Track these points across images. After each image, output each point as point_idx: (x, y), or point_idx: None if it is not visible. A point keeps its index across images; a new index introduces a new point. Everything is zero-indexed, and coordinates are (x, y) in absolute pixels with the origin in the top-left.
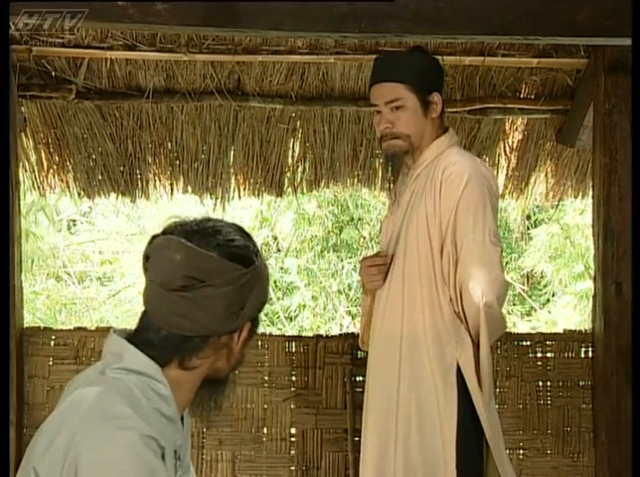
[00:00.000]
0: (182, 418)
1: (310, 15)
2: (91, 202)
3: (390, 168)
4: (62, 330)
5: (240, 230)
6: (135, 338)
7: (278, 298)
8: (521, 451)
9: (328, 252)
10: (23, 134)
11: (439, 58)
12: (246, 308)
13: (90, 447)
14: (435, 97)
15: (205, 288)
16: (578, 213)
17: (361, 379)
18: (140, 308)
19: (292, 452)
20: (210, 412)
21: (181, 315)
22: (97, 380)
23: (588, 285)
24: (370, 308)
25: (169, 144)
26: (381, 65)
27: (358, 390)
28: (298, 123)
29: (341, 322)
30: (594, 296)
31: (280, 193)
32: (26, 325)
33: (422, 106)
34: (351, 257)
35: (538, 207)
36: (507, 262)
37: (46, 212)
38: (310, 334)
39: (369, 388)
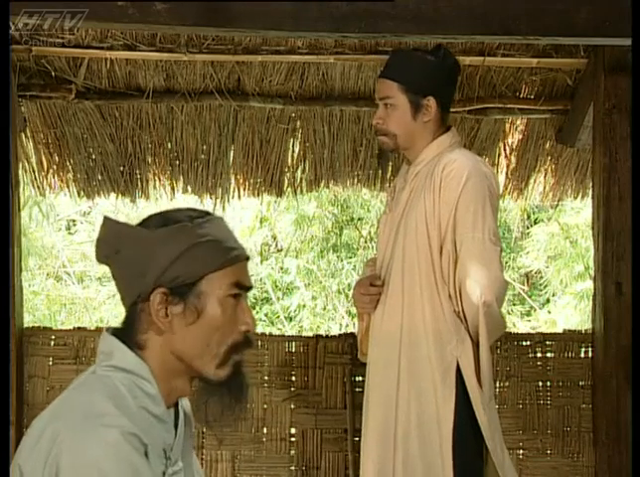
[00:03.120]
0: (177, 418)
1: (310, 15)
2: (91, 202)
3: (382, 163)
4: (62, 330)
5: (198, 211)
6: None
7: (278, 298)
8: (521, 451)
9: (328, 252)
10: (23, 134)
11: None
12: (152, 270)
13: (72, 445)
14: (430, 101)
15: (117, 256)
16: (577, 212)
17: (361, 378)
18: None
19: (292, 452)
20: (214, 422)
21: (117, 288)
22: (87, 378)
23: (588, 285)
24: (366, 327)
25: (169, 144)
26: (388, 60)
27: (358, 389)
28: (298, 123)
29: (341, 322)
30: (594, 296)
31: (280, 193)
32: (26, 325)
33: (412, 108)
34: (351, 257)
35: (537, 207)
36: (506, 262)
37: (40, 208)
38: (310, 334)
39: (369, 386)
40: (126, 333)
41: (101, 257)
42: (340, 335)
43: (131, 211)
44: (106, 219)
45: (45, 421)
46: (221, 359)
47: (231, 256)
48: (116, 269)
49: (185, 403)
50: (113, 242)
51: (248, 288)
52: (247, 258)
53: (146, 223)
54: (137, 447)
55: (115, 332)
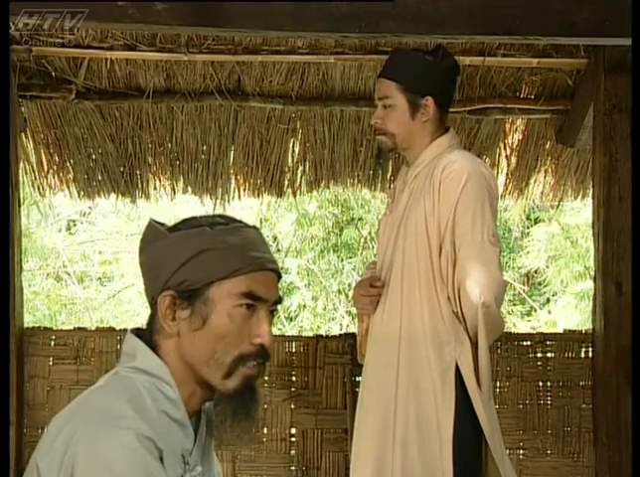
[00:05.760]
0: (198, 422)
1: (310, 15)
2: (91, 202)
3: (381, 162)
4: (62, 330)
5: (229, 218)
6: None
7: None
8: (521, 451)
9: (328, 253)
10: (23, 134)
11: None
12: (163, 273)
13: (87, 446)
14: (428, 101)
15: (141, 257)
16: (577, 212)
17: (361, 379)
18: (140, 308)
19: (292, 452)
20: (221, 432)
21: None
22: (109, 379)
23: (588, 285)
24: (366, 329)
25: (169, 144)
26: (387, 60)
27: (358, 390)
28: (298, 123)
29: (341, 322)
30: (594, 296)
31: (280, 193)
32: (26, 325)
33: (410, 108)
34: (351, 257)
35: (538, 207)
36: (506, 262)
37: (39, 207)
38: (310, 334)
39: (365, 386)
40: (146, 334)
41: (139, 259)
42: (340, 335)
43: (131, 211)
44: (149, 220)
45: (64, 420)
46: (227, 369)
47: (245, 265)
48: (141, 270)
49: (207, 407)
50: (141, 244)
51: (266, 300)
52: (273, 270)
53: (175, 226)
54: (152, 451)
55: (138, 333)
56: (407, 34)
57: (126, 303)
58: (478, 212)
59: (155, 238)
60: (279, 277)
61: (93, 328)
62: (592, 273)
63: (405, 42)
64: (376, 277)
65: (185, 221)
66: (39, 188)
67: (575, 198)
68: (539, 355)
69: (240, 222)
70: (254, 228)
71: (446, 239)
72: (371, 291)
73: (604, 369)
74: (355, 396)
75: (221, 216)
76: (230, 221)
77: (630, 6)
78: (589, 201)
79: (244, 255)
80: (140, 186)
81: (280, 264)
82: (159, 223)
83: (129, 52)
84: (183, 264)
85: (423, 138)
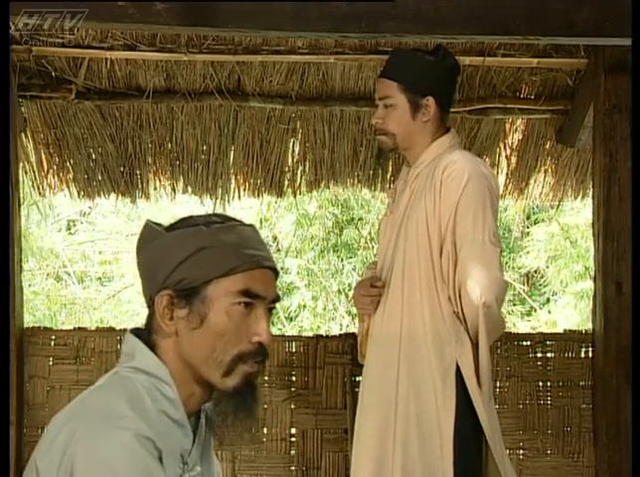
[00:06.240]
0: (197, 422)
1: (310, 15)
2: (91, 202)
3: (381, 162)
4: (62, 330)
5: (225, 217)
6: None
7: None
8: (521, 451)
9: (328, 252)
10: (23, 134)
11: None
12: (160, 272)
13: (87, 446)
14: (429, 101)
15: (139, 257)
16: (577, 212)
17: (361, 379)
18: (139, 308)
19: (292, 452)
20: (221, 432)
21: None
22: (108, 379)
23: (588, 285)
24: (367, 329)
25: (169, 144)
26: (388, 60)
27: (358, 390)
28: (298, 123)
29: (341, 322)
30: (594, 296)
31: (280, 193)
32: (26, 325)
33: (411, 108)
34: (351, 257)
35: (537, 207)
36: (506, 262)
37: (39, 207)
38: (310, 334)
39: (365, 387)
40: (145, 334)
41: (136, 259)
42: (340, 335)
43: (131, 211)
44: (146, 220)
45: (63, 420)
46: (226, 367)
47: (242, 263)
48: (139, 270)
49: (207, 407)
50: (138, 244)
51: (264, 298)
52: (271, 268)
53: (172, 225)
54: (151, 451)
55: (138, 332)
56: (407, 34)
57: (126, 303)
58: (479, 212)
59: (152, 238)
60: (277, 275)
61: (93, 328)
62: (592, 273)
63: (405, 42)
64: (376, 277)
65: (181, 220)
66: (39, 188)
67: (575, 198)
68: (539, 355)
69: (237, 220)
70: (251, 226)
71: (447, 239)
72: (371, 291)
73: (604, 369)
74: (355, 396)
75: (217, 215)
76: (226, 219)
77: (630, 6)
78: (589, 201)
79: (241, 253)
80: (140, 186)
81: (280, 264)
82: (156, 223)
83: (129, 52)
84: (180, 263)
85: (424, 138)
